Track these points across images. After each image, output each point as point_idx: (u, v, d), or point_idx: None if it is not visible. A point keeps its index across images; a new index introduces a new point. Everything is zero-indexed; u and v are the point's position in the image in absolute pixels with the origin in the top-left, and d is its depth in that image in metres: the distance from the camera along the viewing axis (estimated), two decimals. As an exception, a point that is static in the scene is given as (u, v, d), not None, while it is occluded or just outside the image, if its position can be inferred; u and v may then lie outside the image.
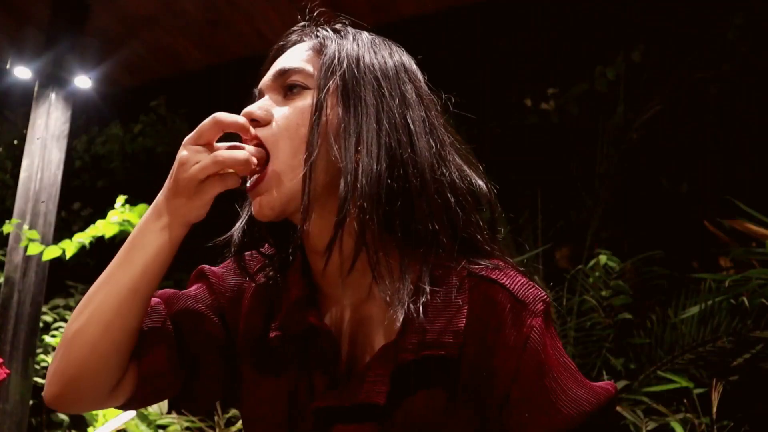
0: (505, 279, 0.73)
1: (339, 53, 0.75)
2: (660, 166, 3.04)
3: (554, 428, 0.68)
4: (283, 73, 0.76)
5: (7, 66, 3.26)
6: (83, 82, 3.25)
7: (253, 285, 0.83)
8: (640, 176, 3.01)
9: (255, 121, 0.74)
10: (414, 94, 0.77)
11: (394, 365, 0.70)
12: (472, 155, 0.81)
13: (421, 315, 0.70)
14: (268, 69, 0.81)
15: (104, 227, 2.85)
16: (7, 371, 1.81)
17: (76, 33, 3.28)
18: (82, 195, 4.20)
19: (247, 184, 0.75)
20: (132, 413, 2.67)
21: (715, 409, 2.03)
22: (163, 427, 2.84)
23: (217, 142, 0.72)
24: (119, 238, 2.98)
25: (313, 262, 0.78)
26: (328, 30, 0.80)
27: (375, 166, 0.70)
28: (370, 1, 3.16)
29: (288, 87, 0.76)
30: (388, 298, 0.72)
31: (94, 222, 2.91)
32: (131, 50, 3.62)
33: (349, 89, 0.74)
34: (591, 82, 3.08)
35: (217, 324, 0.81)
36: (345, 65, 0.74)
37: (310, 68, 0.76)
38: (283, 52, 0.81)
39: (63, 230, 3.79)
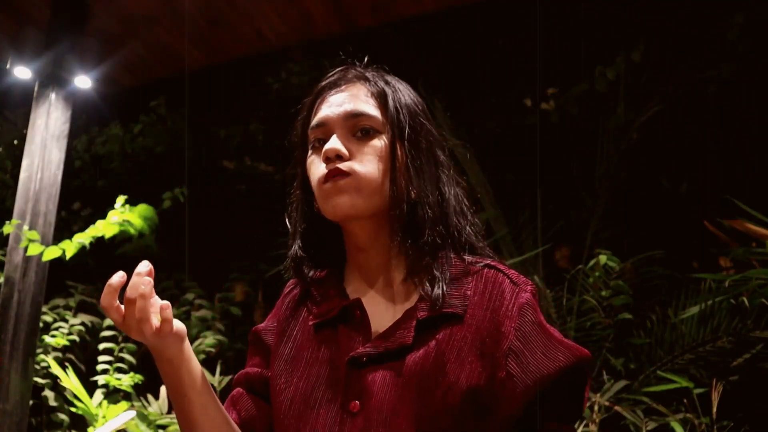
0: (502, 267, 0.97)
1: (399, 105, 0.97)
2: (660, 166, 3.04)
3: (553, 367, 0.87)
4: (356, 116, 0.95)
5: (7, 66, 3.25)
6: (83, 82, 3.25)
7: (288, 299, 1.05)
8: (640, 176, 3.02)
9: (338, 156, 0.93)
10: (434, 132, 1.01)
11: (416, 321, 0.90)
12: (462, 179, 1.04)
13: (442, 293, 0.92)
14: (317, 101, 0.99)
15: (104, 227, 2.85)
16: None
17: (76, 33, 3.28)
18: (82, 195, 4.20)
19: (325, 184, 0.93)
20: (132, 413, 2.68)
21: (715, 409, 2.04)
22: (163, 427, 2.84)
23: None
24: (119, 238, 2.98)
25: (355, 257, 1.01)
26: (377, 77, 1.00)
27: (436, 197, 0.96)
28: (370, 1, 3.16)
29: (360, 128, 0.95)
30: (424, 288, 0.93)
31: (94, 222, 2.91)
32: (131, 50, 3.62)
33: (412, 137, 0.97)
34: (591, 82, 3.08)
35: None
36: (407, 117, 0.97)
37: (377, 114, 0.96)
38: (332, 88, 0.99)
39: (63, 230, 3.79)
